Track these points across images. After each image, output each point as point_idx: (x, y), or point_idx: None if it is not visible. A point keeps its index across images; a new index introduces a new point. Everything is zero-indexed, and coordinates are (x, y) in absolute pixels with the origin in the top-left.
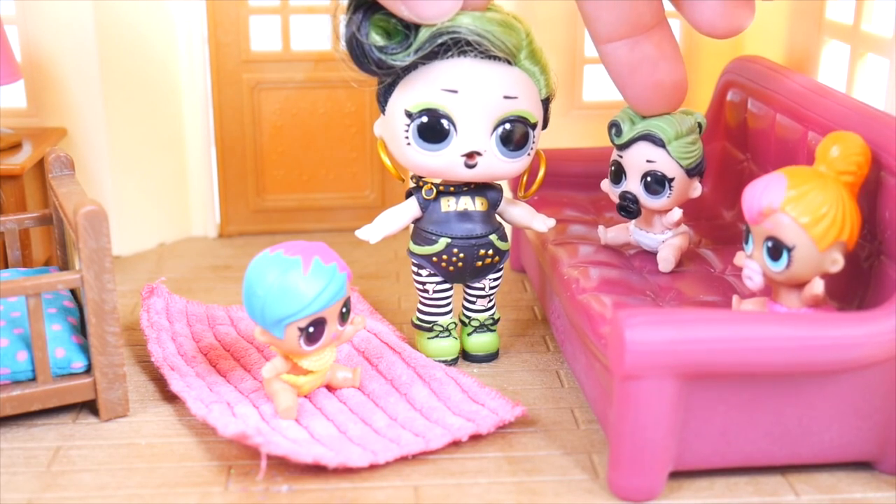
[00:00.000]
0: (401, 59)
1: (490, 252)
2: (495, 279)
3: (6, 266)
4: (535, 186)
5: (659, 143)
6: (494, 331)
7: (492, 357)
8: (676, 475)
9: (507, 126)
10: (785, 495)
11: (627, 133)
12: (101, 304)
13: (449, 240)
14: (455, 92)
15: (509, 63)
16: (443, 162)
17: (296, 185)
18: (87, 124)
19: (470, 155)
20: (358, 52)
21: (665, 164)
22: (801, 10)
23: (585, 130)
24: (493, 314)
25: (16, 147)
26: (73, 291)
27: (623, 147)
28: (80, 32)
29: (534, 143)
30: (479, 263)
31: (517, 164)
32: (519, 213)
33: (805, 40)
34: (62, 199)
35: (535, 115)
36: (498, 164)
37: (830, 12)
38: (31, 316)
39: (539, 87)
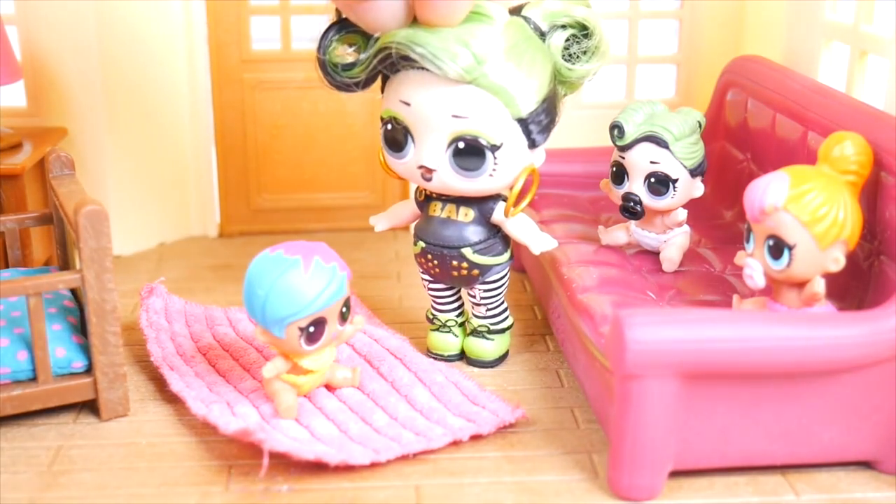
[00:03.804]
0: (355, 75)
1: (464, 265)
2: (486, 291)
3: (6, 266)
4: (520, 206)
5: (663, 144)
6: (492, 339)
7: (486, 365)
8: (676, 475)
9: (460, 144)
10: (785, 495)
11: (630, 134)
12: (102, 304)
13: (424, 244)
14: (408, 104)
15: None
16: (407, 171)
17: (296, 185)
18: (87, 124)
19: (425, 168)
20: (323, 71)
21: (669, 164)
22: (801, 10)
23: (585, 130)
24: (489, 323)
25: (16, 147)
26: (73, 291)
27: (625, 148)
28: (81, 32)
29: (496, 165)
30: (455, 273)
31: (478, 184)
32: (515, 228)
33: (805, 40)
34: (63, 198)
35: (496, 135)
36: (455, 181)
37: (830, 12)
38: (32, 316)
39: (509, 105)
